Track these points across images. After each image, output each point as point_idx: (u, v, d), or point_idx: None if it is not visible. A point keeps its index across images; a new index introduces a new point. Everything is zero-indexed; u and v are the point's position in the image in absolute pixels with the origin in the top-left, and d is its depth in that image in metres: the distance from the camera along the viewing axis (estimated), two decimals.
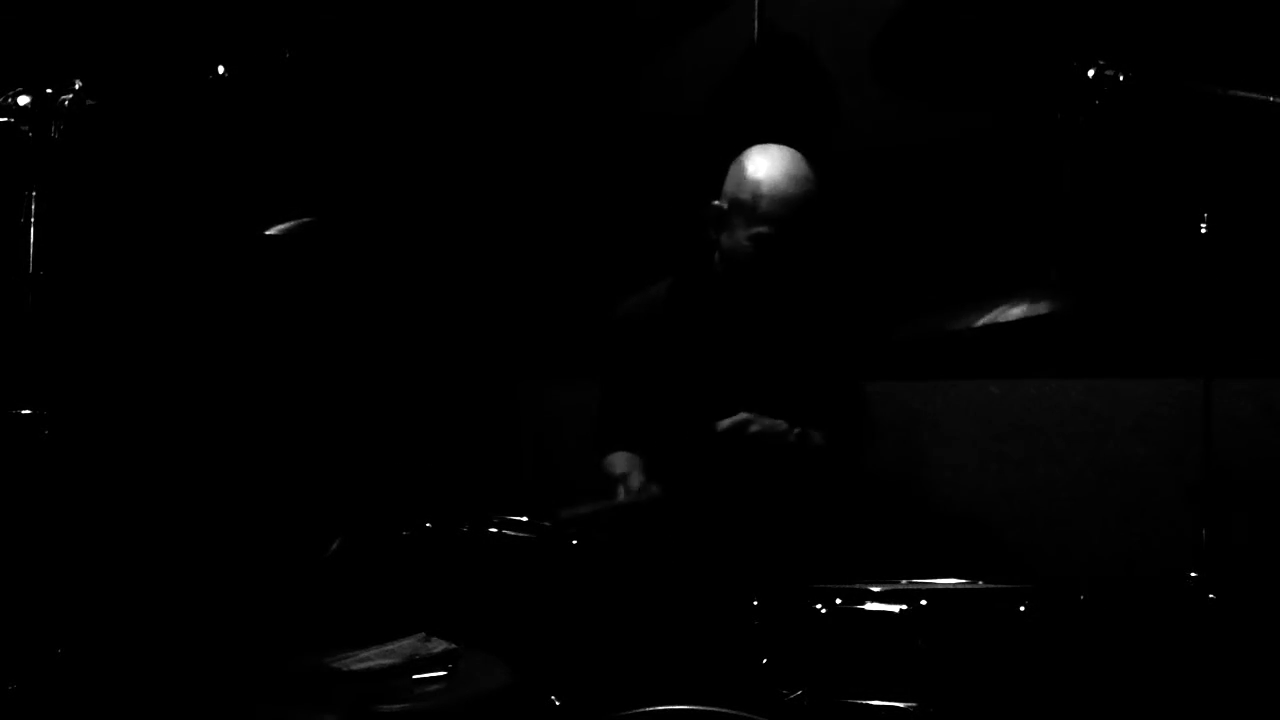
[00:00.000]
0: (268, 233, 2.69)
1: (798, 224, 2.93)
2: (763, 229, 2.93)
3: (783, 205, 2.92)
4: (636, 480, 2.96)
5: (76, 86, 2.32)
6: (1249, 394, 3.14)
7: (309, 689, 2.34)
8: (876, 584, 2.46)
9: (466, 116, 3.94)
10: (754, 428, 2.87)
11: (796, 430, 2.95)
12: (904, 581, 2.55)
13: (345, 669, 2.39)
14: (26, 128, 2.28)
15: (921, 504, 3.46)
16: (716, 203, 3.01)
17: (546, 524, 2.64)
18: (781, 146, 3.01)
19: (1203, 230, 2.62)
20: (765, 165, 2.96)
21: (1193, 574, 2.58)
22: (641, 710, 2.33)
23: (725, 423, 2.86)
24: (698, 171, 3.15)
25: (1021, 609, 2.38)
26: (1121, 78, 2.49)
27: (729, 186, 3.00)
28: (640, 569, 2.67)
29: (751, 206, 2.94)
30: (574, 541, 2.60)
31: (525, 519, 2.67)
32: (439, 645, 2.46)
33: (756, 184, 2.94)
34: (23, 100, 2.28)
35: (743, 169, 2.99)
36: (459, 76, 3.94)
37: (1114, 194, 3.20)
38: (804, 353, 3.08)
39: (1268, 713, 2.97)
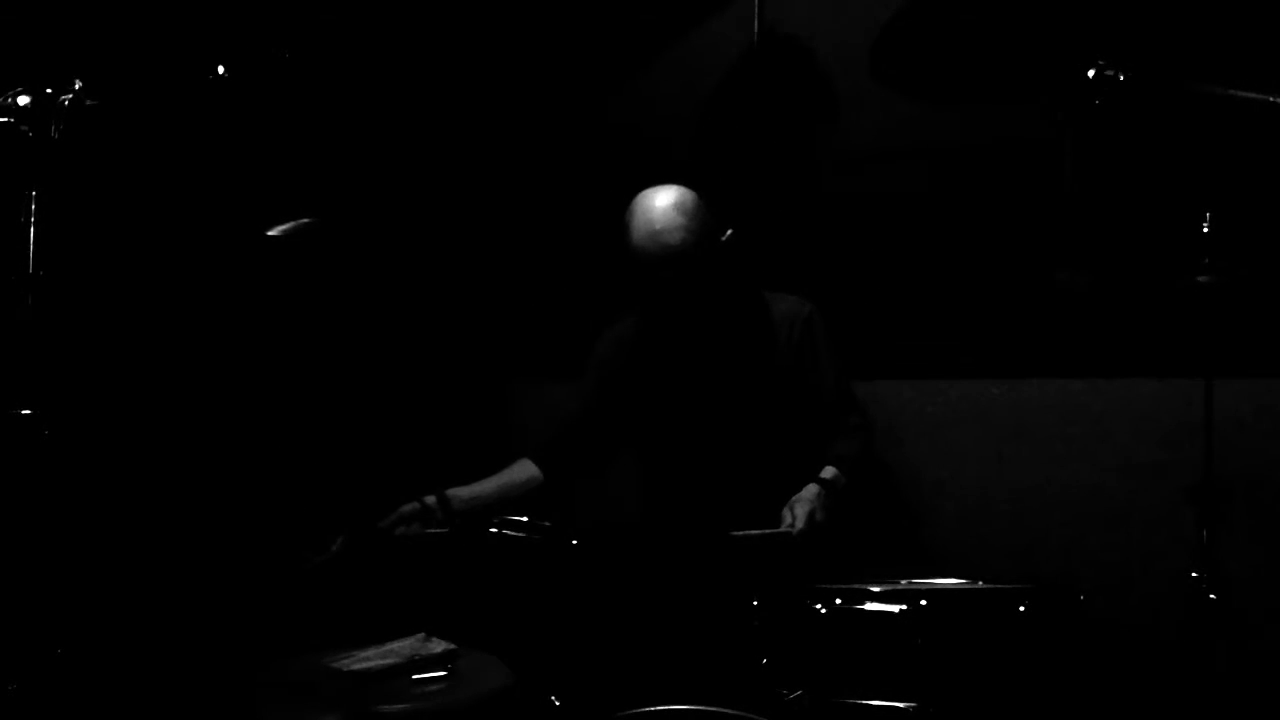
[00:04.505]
0: (268, 233, 2.69)
1: (668, 273, 3.00)
2: (643, 279, 3.04)
3: (645, 261, 3.01)
4: (468, 494, 3.00)
5: (76, 86, 2.32)
6: (1249, 394, 3.14)
7: (309, 689, 2.34)
8: (876, 584, 2.46)
9: (465, 117, 3.94)
10: (819, 516, 2.85)
11: (822, 481, 2.95)
12: (904, 581, 2.56)
13: (345, 669, 2.39)
14: (26, 128, 2.28)
15: (921, 504, 3.46)
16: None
17: (546, 524, 2.65)
18: (658, 192, 3.04)
19: (1204, 230, 2.63)
20: (635, 219, 3.03)
21: (1193, 574, 2.58)
22: (641, 710, 2.33)
23: (799, 527, 2.80)
24: (695, 172, 3.15)
25: (1021, 609, 2.38)
26: (1121, 78, 2.49)
27: (622, 234, 3.06)
28: (640, 569, 2.68)
29: (630, 259, 3.03)
30: (574, 541, 2.61)
31: (525, 519, 2.67)
32: (439, 645, 2.46)
33: (628, 240, 3.03)
34: (23, 100, 2.28)
35: (624, 220, 3.05)
36: (458, 76, 3.94)
37: (1115, 194, 3.20)
38: (760, 366, 3.11)
39: (1268, 713, 2.98)
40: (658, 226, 2.99)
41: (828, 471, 2.97)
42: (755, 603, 2.45)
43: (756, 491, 2.98)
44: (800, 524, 2.79)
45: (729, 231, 3.09)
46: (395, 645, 2.47)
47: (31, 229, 2.29)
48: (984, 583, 2.56)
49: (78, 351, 3.00)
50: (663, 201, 3.02)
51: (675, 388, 3.14)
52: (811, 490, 2.90)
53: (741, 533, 2.74)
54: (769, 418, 3.08)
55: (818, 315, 3.15)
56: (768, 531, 2.78)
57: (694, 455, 3.11)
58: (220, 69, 2.43)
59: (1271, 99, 2.46)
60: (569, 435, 3.20)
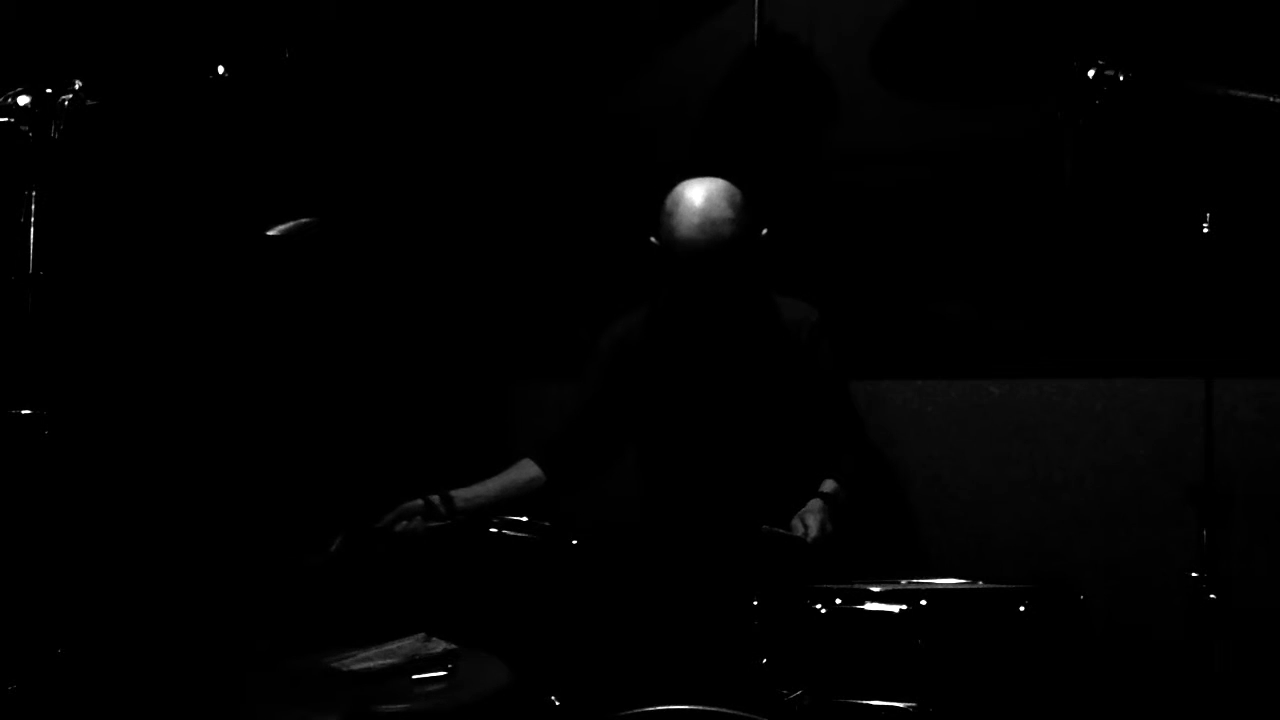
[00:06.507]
0: (268, 233, 2.69)
1: (714, 267, 2.94)
2: (682, 272, 2.96)
3: (693, 252, 2.93)
4: (470, 494, 2.98)
5: (76, 86, 2.32)
6: (1249, 394, 3.14)
7: (309, 689, 2.34)
8: (876, 584, 2.46)
9: (464, 117, 3.94)
10: (829, 527, 2.83)
11: (824, 496, 2.94)
12: (904, 581, 2.56)
13: (345, 669, 2.39)
14: (26, 128, 2.28)
15: (921, 504, 3.46)
16: (653, 239, 3.01)
17: (546, 524, 2.65)
18: (706, 183, 2.98)
19: (1204, 230, 2.63)
20: (682, 208, 2.95)
21: (1193, 574, 2.58)
22: (641, 710, 2.33)
23: (814, 535, 2.78)
24: (695, 171, 3.16)
25: (1021, 609, 2.38)
26: (1121, 78, 2.49)
27: (660, 224, 3.00)
28: (640, 569, 2.68)
29: (671, 249, 2.96)
30: (574, 541, 2.61)
31: (525, 519, 2.68)
32: (439, 645, 2.46)
33: (673, 229, 2.95)
34: (23, 100, 2.29)
35: (665, 209, 2.98)
36: (458, 77, 3.94)
37: (1115, 194, 3.20)
38: (771, 370, 3.10)
39: (1268, 713, 2.98)
40: (706, 218, 2.91)
41: (829, 486, 2.96)
42: (755, 603, 2.44)
43: (759, 494, 2.98)
44: (814, 533, 2.78)
45: (764, 230, 3.04)
46: (395, 645, 2.47)
47: (31, 229, 2.29)
48: (984, 583, 2.56)
49: (78, 351, 3.00)
50: (712, 191, 2.95)
51: (685, 386, 3.13)
52: (817, 504, 2.89)
53: (770, 528, 2.73)
54: (775, 422, 3.08)
55: (826, 322, 3.14)
56: (791, 534, 2.78)
57: (699, 455, 3.10)
58: (220, 69, 2.44)
59: (1271, 99, 2.46)
60: (571, 433, 3.18)
